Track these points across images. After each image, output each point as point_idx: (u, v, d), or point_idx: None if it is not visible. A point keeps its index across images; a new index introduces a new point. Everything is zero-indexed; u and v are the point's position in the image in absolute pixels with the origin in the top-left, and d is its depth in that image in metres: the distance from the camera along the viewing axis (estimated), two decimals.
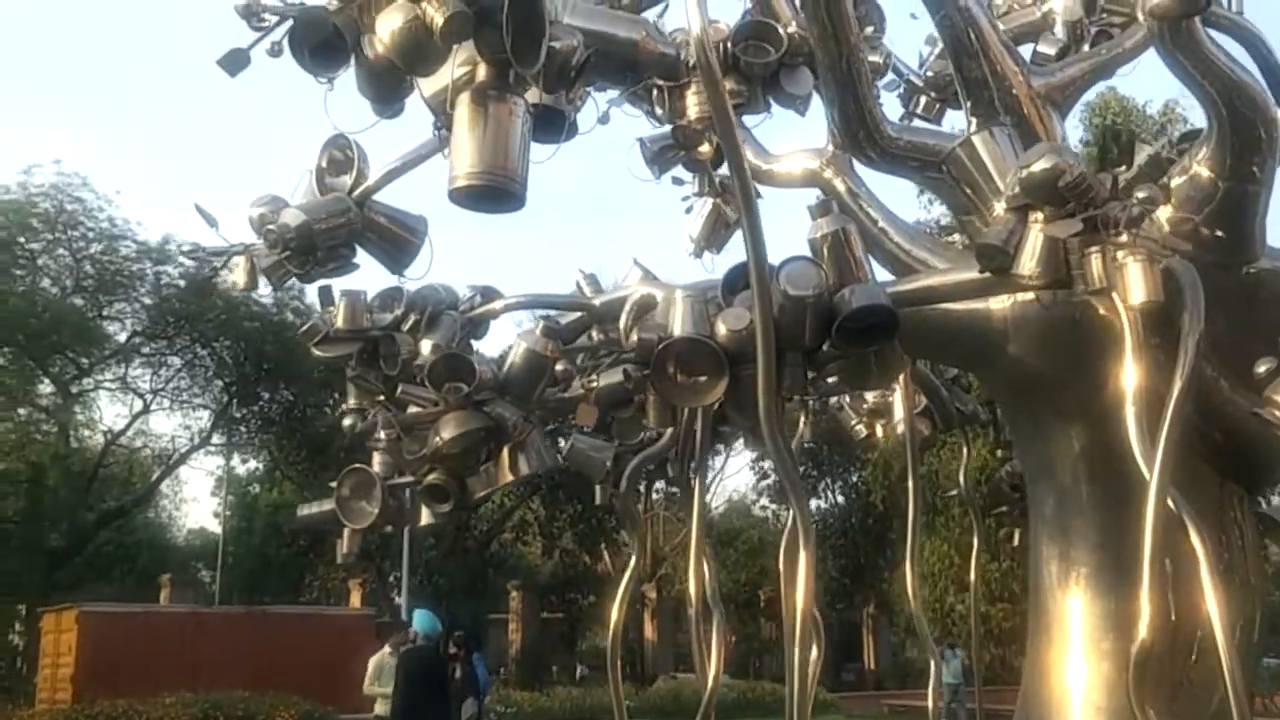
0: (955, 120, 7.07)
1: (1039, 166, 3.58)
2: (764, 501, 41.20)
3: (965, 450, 8.30)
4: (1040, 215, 3.66)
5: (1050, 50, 6.39)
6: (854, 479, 38.22)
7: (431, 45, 2.96)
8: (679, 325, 4.57)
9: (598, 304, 6.07)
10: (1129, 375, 4.09)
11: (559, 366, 5.03)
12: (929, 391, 7.53)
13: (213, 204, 5.16)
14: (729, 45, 5.50)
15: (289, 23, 3.76)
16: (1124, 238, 3.53)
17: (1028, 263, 3.69)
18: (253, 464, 43.46)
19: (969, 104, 5.76)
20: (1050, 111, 5.81)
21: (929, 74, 6.88)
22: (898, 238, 6.03)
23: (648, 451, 5.71)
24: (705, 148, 7.16)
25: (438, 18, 2.89)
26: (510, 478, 4.96)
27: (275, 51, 3.82)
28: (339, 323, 5.98)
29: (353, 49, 3.57)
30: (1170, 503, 3.92)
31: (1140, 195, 3.53)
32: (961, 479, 8.50)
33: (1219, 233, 4.89)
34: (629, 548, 6.05)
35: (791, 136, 7.10)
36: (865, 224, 6.07)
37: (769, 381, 4.22)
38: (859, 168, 5.86)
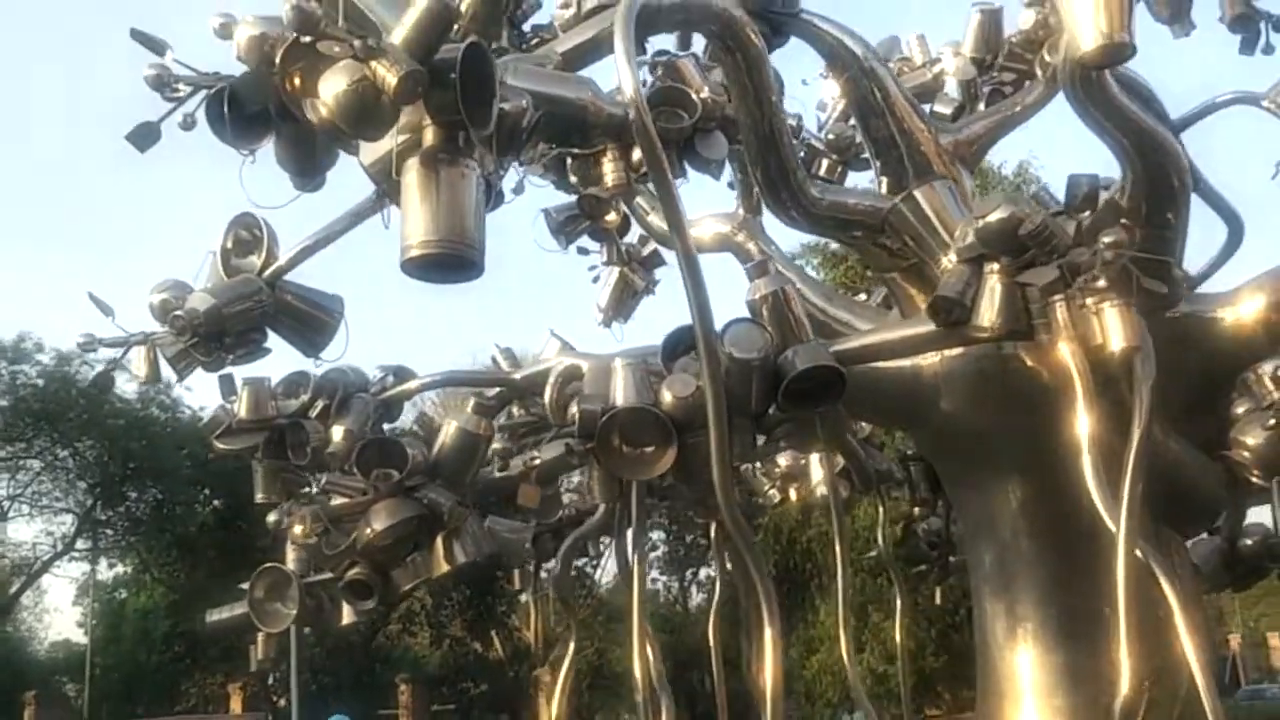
0: (856, 182, 7.15)
1: (996, 216, 3.55)
2: (654, 574, 40.86)
3: (881, 510, 8.26)
4: (996, 265, 3.62)
5: (946, 110, 6.46)
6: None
7: (380, 107, 2.77)
8: (621, 395, 4.40)
9: (518, 378, 5.87)
10: (1083, 424, 4.05)
11: (495, 445, 4.80)
12: (846, 452, 7.47)
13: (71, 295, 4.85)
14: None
15: (202, 93, 3.55)
16: (1101, 282, 3.50)
17: (987, 314, 3.64)
18: (120, 568, 41.48)
19: (878, 163, 5.78)
20: (959, 168, 5.88)
21: (829, 137, 6.91)
22: (815, 298, 6.00)
23: (582, 529, 5.50)
24: (612, 216, 7.06)
25: (390, 77, 2.71)
26: (446, 568, 4.68)
27: (189, 124, 3.59)
28: (242, 412, 5.65)
29: (277, 117, 3.36)
30: (1139, 552, 3.84)
31: (1106, 240, 3.51)
32: (880, 539, 8.45)
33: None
34: (565, 631, 5.78)
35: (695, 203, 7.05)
36: None
37: (723, 449, 4.07)
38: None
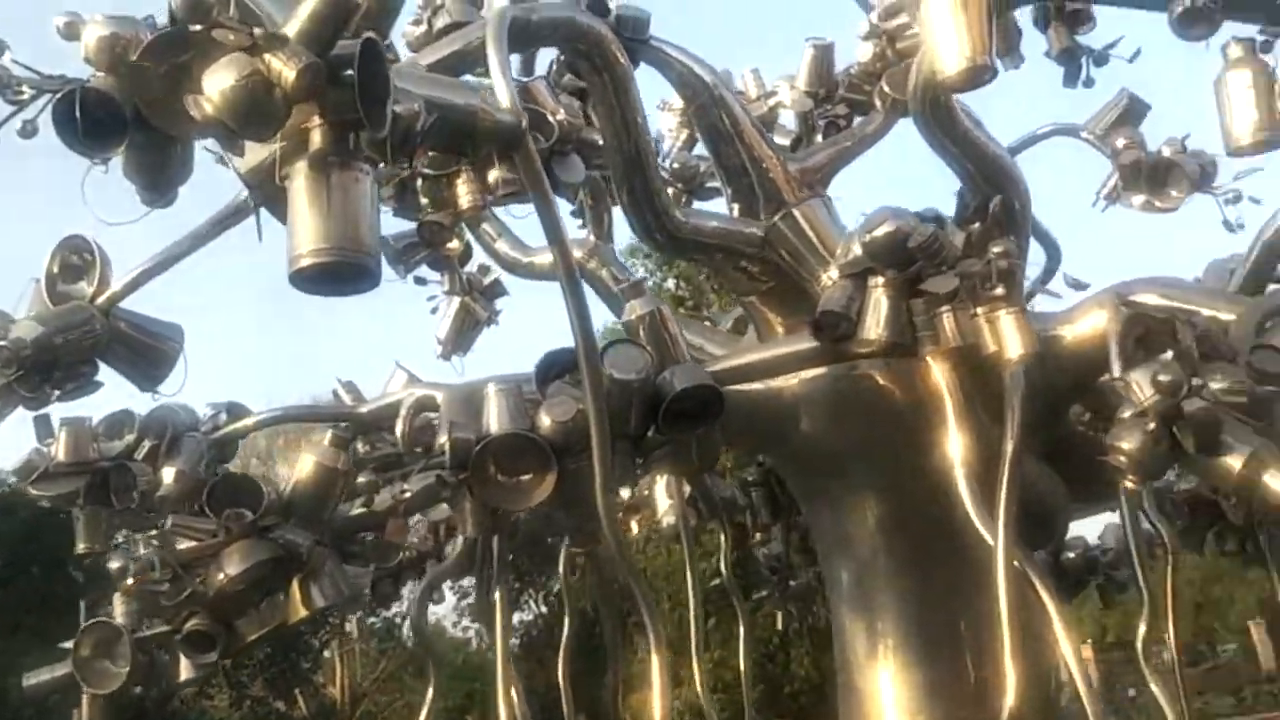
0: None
1: (883, 230, 3.57)
2: (465, 622, 39.96)
3: (724, 538, 8.26)
4: (881, 279, 3.63)
5: (784, 142, 6.56)
6: (557, 588, 37.76)
7: (272, 103, 2.55)
8: (496, 421, 4.23)
9: (364, 412, 5.59)
10: (954, 442, 4.09)
11: (361, 479, 4.52)
12: (694, 479, 7.46)
13: None
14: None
15: (46, 98, 3.24)
16: (999, 290, 3.55)
17: (873, 327, 3.65)
18: None
19: (729, 190, 5.81)
20: (808, 194, 5.96)
21: (674, 165, 6.92)
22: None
23: (441, 568, 5.27)
24: (454, 244, 6.88)
25: (287, 71, 2.49)
26: (303, 613, 4.37)
27: (29, 132, 3.27)
28: (60, 455, 5.20)
29: (132, 124, 3.08)
30: (1017, 563, 3.90)
31: (996, 249, 3.57)
32: (722, 567, 8.44)
33: None
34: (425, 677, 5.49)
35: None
36: None
37: (607, 472, 3.94)
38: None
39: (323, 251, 2.65)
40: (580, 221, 7.03)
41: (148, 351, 4.60)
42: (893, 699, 5.40)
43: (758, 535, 8.61)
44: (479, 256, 7.18)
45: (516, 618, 39.11)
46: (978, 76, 3.99)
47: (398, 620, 35.64)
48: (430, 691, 5.52)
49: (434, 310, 7.54)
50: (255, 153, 2.93)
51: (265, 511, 4.18)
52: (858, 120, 6.32)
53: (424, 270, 7.14)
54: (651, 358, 4.18)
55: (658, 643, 4.05)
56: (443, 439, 4.30)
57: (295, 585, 4.32)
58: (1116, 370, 3.76)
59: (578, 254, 6.32)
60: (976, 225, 3.63)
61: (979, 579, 5.41)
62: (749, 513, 8.55)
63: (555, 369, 4.41)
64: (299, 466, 4.44)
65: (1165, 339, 3.68)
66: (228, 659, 4.90)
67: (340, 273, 2.71)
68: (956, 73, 3.99)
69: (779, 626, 9.22)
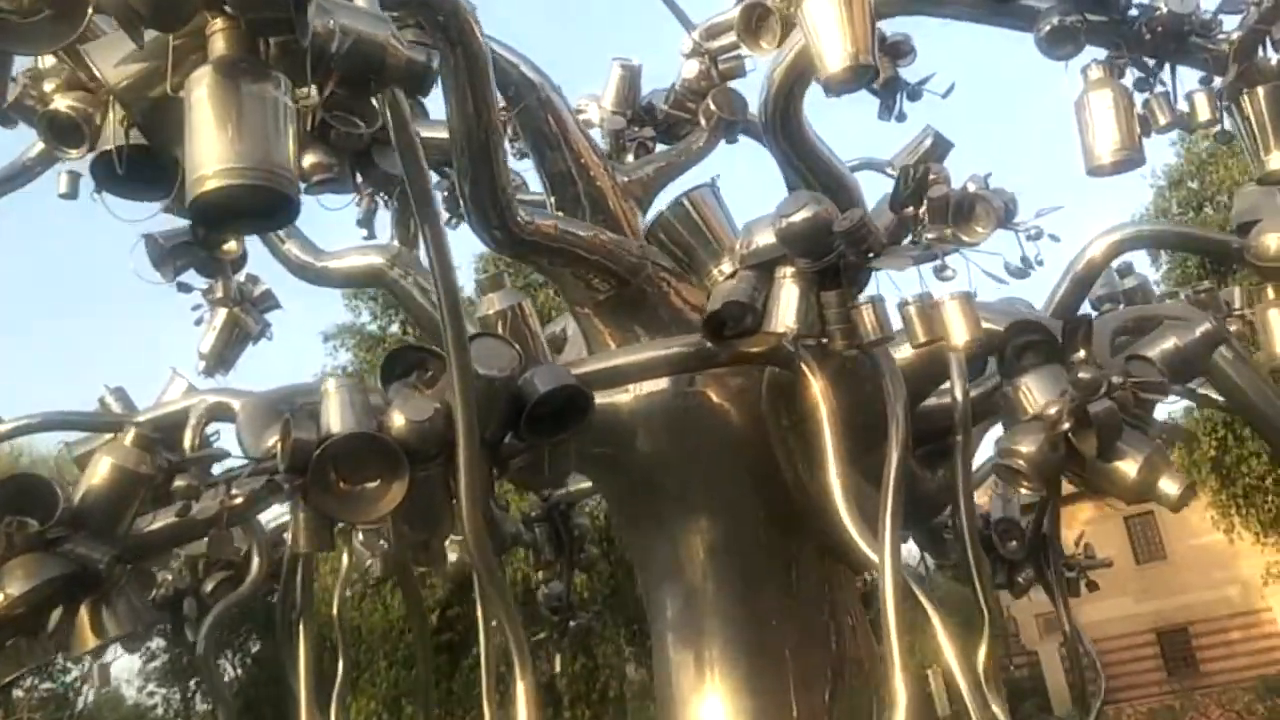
0: None
1: (801, 216, 3.36)
2: (151, 686, 36.84)
3: (537, 572, 7.85)
4: (789, 269, 3.43)
5: None
6: (256, 647, 35.39)
7: None
8: (337, 420, 3.72)
9: (141, 420, 4.88)
10: (832, 457, 3.90)
11: (180, 482, 3.84)
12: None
13: None
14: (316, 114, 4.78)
15: None
16: (948, 273, 3.41)
17: (784, 317, 3.43)
18: None
19: (554, 198, 5.54)
20: (633, 206, 5.77)
21: None
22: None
23: (232, 597, 4.63)
24: (231, 244, 6.24)
25: None
26: (94, 642, 3.65)
27: None
28: None
29: None
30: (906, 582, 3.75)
31: (930, 236, 3.44)
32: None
33: None
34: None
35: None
36: (432, 313, 5.62)
37: (475, 478, 3.54)
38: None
39: (234, 172, 2.17)
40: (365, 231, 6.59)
41: None
42: None
43: (539, 574, 8.24)
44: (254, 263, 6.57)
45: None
46: (861, 75, 3.91)
47: (75, 687, 32.44)
48: None
49: (198, 322, 6.80)
50: (124, 68, 2.41)
51: (57, 521, 3.49)
52: (685, 138, 6.21)
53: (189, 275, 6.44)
54: (519, 354, 3.81)
55: (523, 665, 3.64)
56: (270, 440, 3.75)
57: (84, 610, 3.62)
58: (990, 380, 3.71)
59: (380, 259, 5.89)
60: (911, 210, 3.49)
61: (807, 603, 5.39)
62: (531, 549, 8.19)
63: (399, 367, 3.96)
64: (92, 470, 3.74)
65: (1047, 349, 3.67)
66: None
67: (252, 200, 2.23)
68: (841, 69, 3.89)
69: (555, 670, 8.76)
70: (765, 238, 3.51)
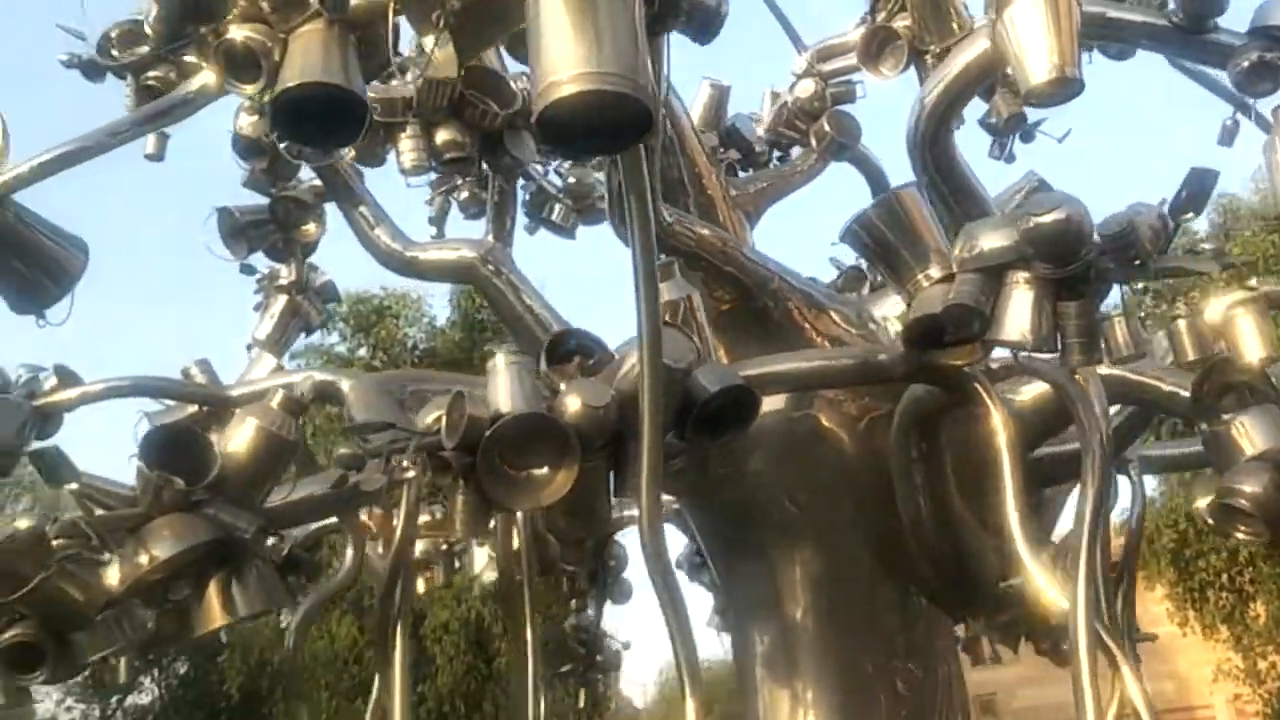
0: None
1: (1053, 217, 3.17)
2: (70, 701, 35.43)
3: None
4: (1023, 275, 3.24)
5: None
6: (183, 669, 34.16)
7: None
8: (507, 399, 3.46)
9: (235, 395, 4.57)
10: (1011, 492, 3.68)
11: (344, 450, 3.51)
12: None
13: None
14: (456, 89, 4.56)
15: None
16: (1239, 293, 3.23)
17: (1015, 325, 3.23)
18: None
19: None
20: (741, 219, 5.60)
21: (571, 181, 6.36)
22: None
23: (327, 588, 4.33)
24: (310, 227, 5.98)
25: None
26: (222, 620, 3.33)
27: None
28: None
29: None
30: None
31: (1206, 247, 3.25)
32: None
33: None
34: None
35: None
36: (528, 320, 5.40)
37: (656, 469, 3.29)
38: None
39: (594, 77, 1.95)
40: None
41: (46, 260, 3.49)
42: None
43: (573, 602, 7.92)
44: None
45: (130, 699, 35.14)
46: (1067, 87, 3.76)
47: None
48: None
49: (257, 307, 6.50)
50: None
51: (209, 483, 3.17)
52: (795, 154, 6.06)
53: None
54: (698, 348, 3.58)
55: (694, 688, 3.37)
56: (431, 416, 3.48)
57: (213, 584, 3.30)
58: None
59: (471, 254, 5.65)
60: (1189, 216, 3.28)
61: (909, 640, 5.16)
62: (566, 578, 7.88)
63: (560, 351, 3.71)
64: (234, 432, 3.43)
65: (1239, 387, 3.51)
66: (54, 684, 3.76)
67: (607, 109, 1.99)
68: (1045, 82, 3.74)
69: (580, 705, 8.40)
70: (993, 240, 3.32)
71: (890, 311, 5.07)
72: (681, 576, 8.07)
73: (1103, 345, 3.29)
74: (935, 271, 3.45)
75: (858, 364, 4.01)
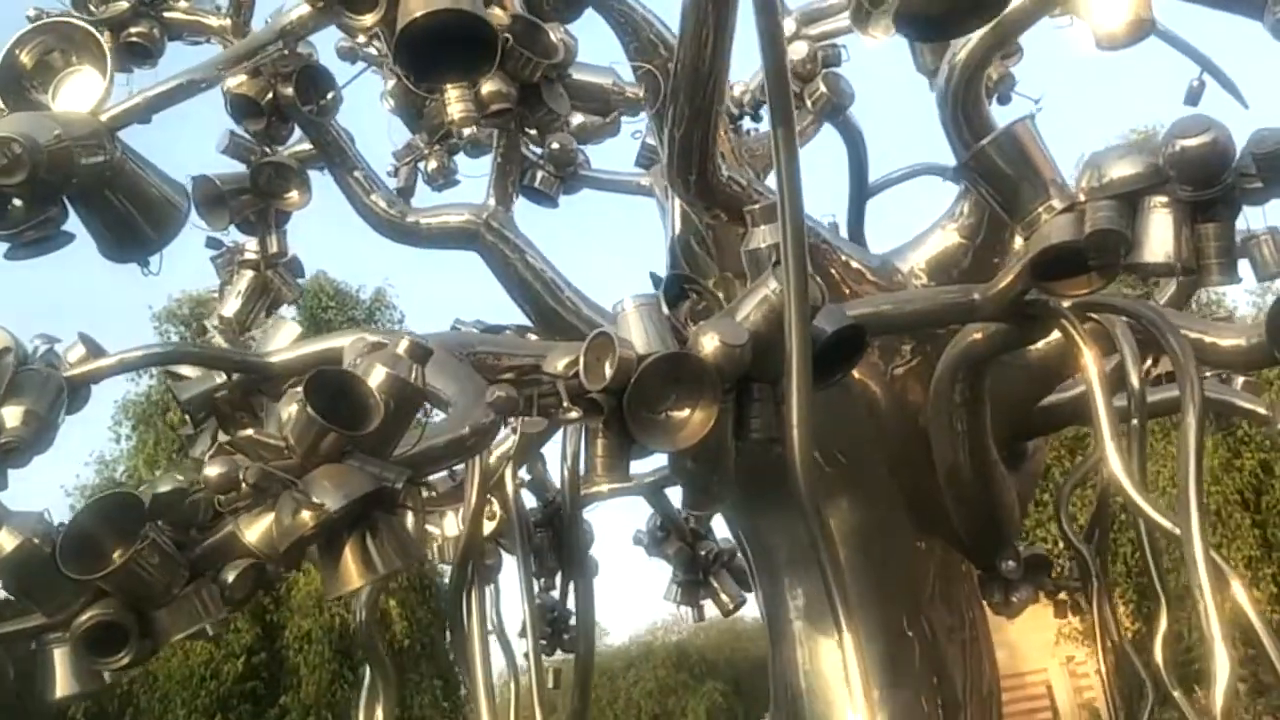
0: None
1: (1201, 140, 3.24)
2: None
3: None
4: (1162, 199, 3.31)
5: None
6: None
7: None
8: (641, 341, 3.37)
9: (275, 361, 4.32)
10: (1107, 424, 3.75)
11: (500, 394, 3.30)
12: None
13: None
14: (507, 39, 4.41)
15: None
16: None
17: (1160, 248, 3.29)
18: None
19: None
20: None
21: (555, 147, 6.24)
22: (572, 295, 5.34)
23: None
24: (293, 195, 5.71)
25: None
26: (358, 581, 3.11)
27: None
28: None
29: None
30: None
31: None
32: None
33: None
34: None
35: None
36: (531, 282, 5.39)
37: (806, 406, 3.26)
38: None
39: None
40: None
41: (152, 206, 3.19)
42: None
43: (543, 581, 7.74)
44: None
45: None
46: (1142, 30, 3.89)
47: None
48: None
49: (221, 286, 6.16)
50: None
51: (368, 433, 2.96)
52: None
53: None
54: (822, 290, 3.56)
55: (846, 613, 3.35)
56: (564, 361, 3.36)
57: (351, 541, 3.09)
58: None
59: (474, 218, 5.50)
60: None
61: (940, 588, 5.26)
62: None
63: (676, 290, 3.65)
64: (364, 377, 3.22)
65: None
66: (137, 666, 3.49)
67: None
68: (1123, 26, 3.86)
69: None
70: (1123, 169, 3.39)
71: (916, 263, 5.15)
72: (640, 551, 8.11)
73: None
74: (1057, 203, 3.51)
75: (952, 303, 4.05)
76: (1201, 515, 3.54)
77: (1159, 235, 3.29)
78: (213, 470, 2.75)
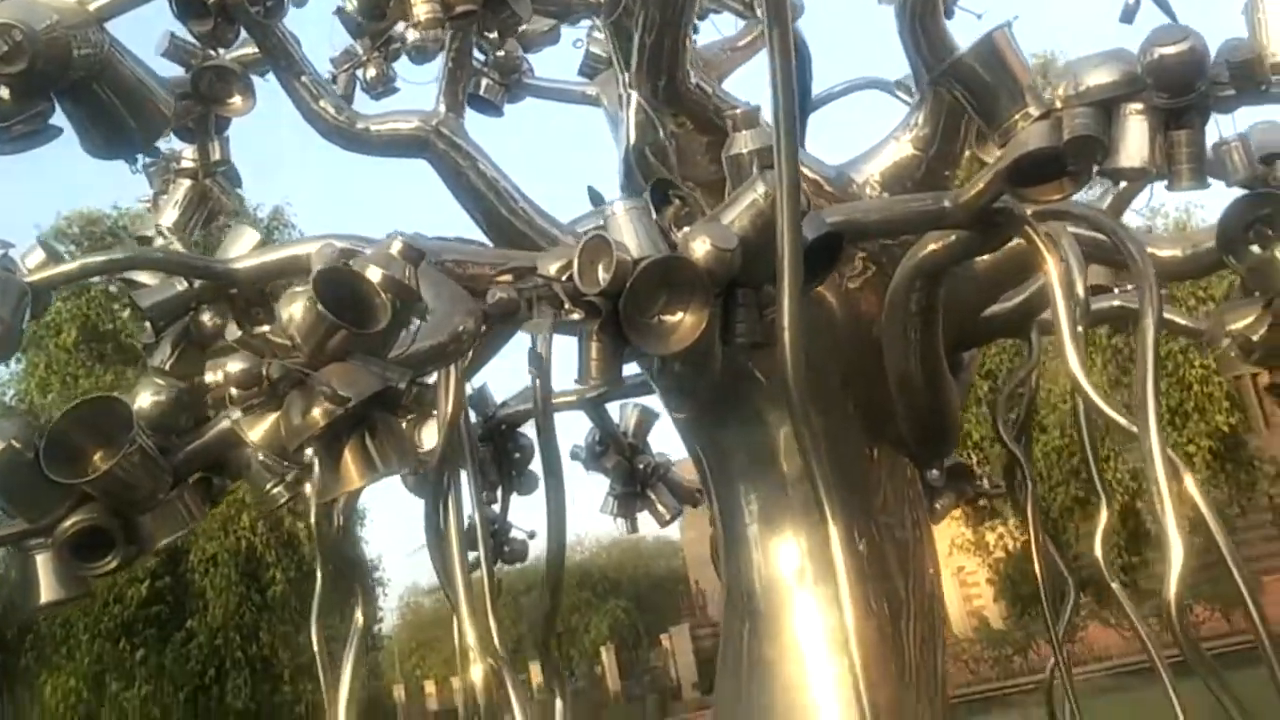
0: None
1: (1178, 49, 3.34)
2: None
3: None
4: (1137, 105, 3.41)
5: None
6: None
7: None
8: (634, 243, 3.40)
9: (240, 268, 4.24)
10: (1069, 335, 3.88)
11: (500, 294, 3.29)
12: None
13: None
14: None
15: None
16: None
17: (1137, 153, 3.39)
18: None
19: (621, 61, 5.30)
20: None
21: (499, 55, 6.16)
22: (525, 205, 5.32)
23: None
24: (238, 100, 5.57)
25: None
26: (358, 481, 3.11)
27: None
28: None
29: None
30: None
31: None
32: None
33: None
34: None
35: None
36: (484, 191, 5.33)
37: (798, 304, 3.33)
38: None
39: None
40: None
41: (139, 102, 3.09)
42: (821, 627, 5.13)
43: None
44: None
45: None
46: None
47: None
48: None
49: (156, 197, 5.97)
50: None
51: (377, 331, 2.95)
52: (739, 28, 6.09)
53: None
54: (807, 196, 3.61)
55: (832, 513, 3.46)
56: (558, 263, 3.38)
57: (351, 441, 3.09)
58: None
59: (423, 125, 5.44)
60: None
61: (890, 493, 5.44)
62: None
63: (659, 199, 3.67)
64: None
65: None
66: (122, 569, 3.48)
67: None
68: None
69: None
70: (1099, 76, 3.49)
71: (871, 174, 5.23)
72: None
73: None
74: (1033, 110, 3.60)
75: (923, 210, 4.14)
76: (1157, 412, 3.72)
77: (1135, 141, 3.40)
78: (235, 366, 2.72)
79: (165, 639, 24.82)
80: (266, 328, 2.91)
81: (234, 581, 24.73)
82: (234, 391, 2.80)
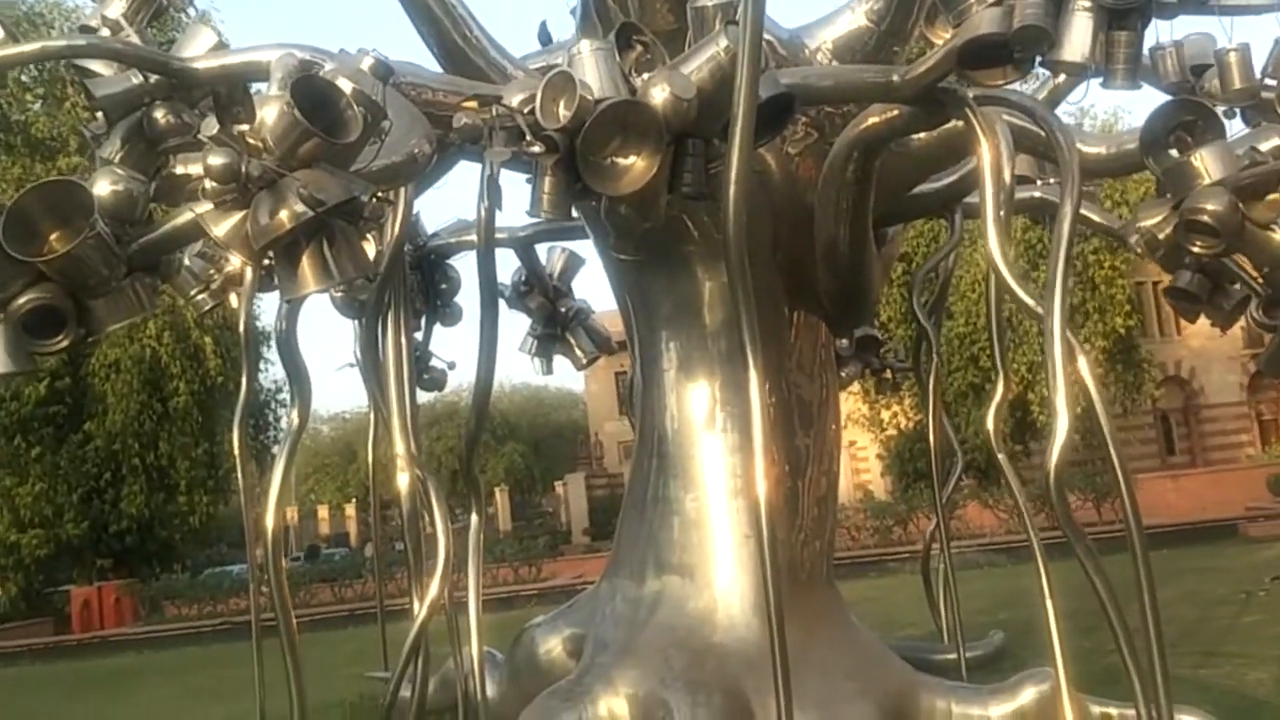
0: None
1: None
2: None
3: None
4: (1084, 3, 3.56)
5: None
6: None
7: None
8: (596, 85, 3.51)
9: (200, 68, 4.23)
10: (993, 216, 4.09)
11: (465, 121, 3.36)
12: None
13: None
14: None
15: None
16: None
17: (1078, 47, 3.55)
18: None
19: None
20: None
21: None
22: (480, 35, 5.31)
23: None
24: None
25: None
26: (315, 286, 3.23)
27: None
28: None
29: None
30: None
31: None
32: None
33: None
34: None
35: None
36: (441, 17, 5.20)
37: (747, 155, 3.49)
38: None
39: None
40: None
41: None
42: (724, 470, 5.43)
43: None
44: None
45: None
46: None
47: None
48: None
49: None
50: None
51: (354, 140, 3.04)
52: None
53: None
54: (766, 57, 3.74)
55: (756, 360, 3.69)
56: (520, 96, 3.48)
57: (309, 248, 3.21)
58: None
59: None
60: None
61: (805, 351, 5.71)
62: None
63: (625, 41, 3.76)
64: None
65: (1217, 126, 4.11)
66: (75, 348, 3.60)
67: None
68: None
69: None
70: None
71: (824, 41, 5.34)
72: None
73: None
74: None
75: (872, 82, 4.29)
76: (1064, 297, 3.99)
77: (1079, 36, 3.57)
78: (216, 160, 2.82)
79: (61, 439, 24.62)
80: (246, 126, 2.98)
81: (135, 389, 24.52)
82: (208, 184, 2.89)
